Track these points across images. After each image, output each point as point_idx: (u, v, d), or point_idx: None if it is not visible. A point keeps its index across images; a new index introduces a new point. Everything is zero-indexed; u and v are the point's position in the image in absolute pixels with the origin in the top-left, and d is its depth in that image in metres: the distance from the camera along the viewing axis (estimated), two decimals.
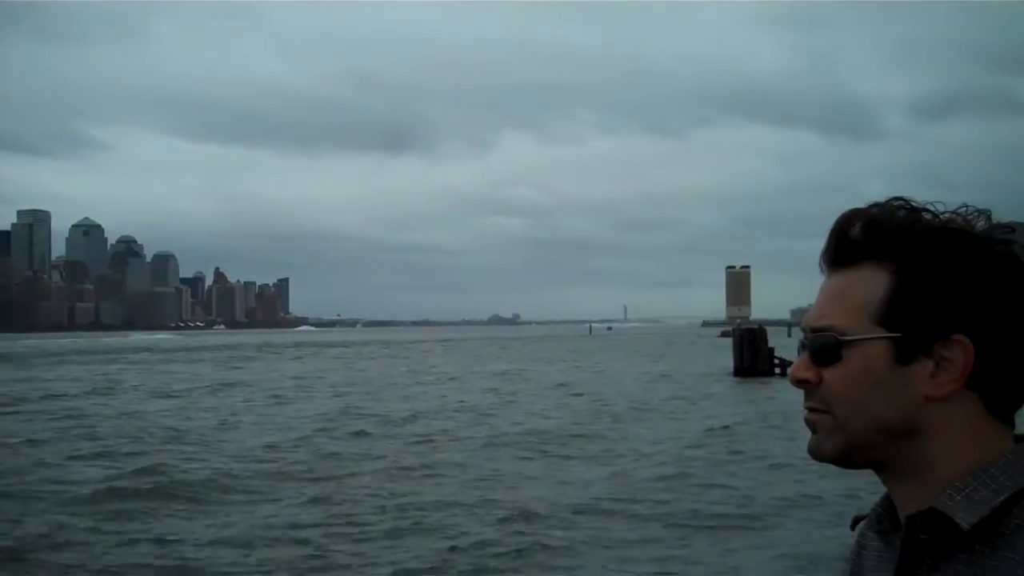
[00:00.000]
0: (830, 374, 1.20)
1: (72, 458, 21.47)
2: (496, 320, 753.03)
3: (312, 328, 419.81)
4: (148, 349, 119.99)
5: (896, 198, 1.21)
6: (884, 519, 1.25)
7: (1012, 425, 1.19)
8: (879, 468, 1.23)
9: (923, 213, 1.19)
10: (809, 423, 1.23)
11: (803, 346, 1.23)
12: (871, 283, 1.18)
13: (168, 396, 40.71)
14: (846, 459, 1.21)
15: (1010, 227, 1.19)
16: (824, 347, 1.20)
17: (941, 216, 1.19)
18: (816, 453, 1.23)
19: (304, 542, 13.22)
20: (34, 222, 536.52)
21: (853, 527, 1.33)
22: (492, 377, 51.50)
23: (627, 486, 17.32)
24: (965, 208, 1.20)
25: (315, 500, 16.23)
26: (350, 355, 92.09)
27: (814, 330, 1.22)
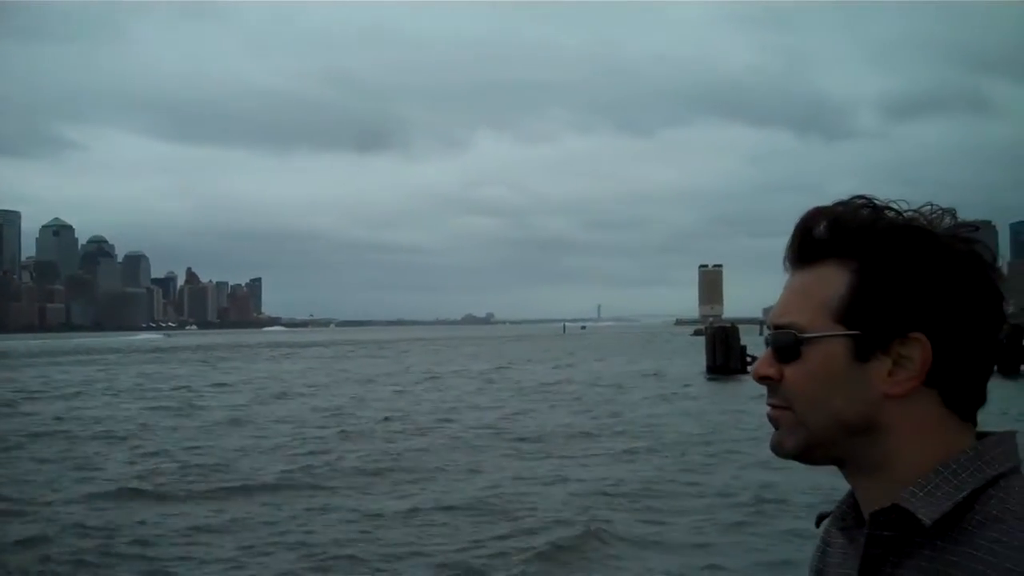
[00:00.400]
0: (791, 371, 1.21)
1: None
2: (470, 320, 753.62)
3: (283, 328, 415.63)
4: (201, 347, 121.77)
5: (859, 196, 1.22)
6: (848, 516, 1.25)
7: (974, 423, 1.20)
8: (841, 464, 1.23)
9: (886, 211, 1.20)
10: (771, 419, 1.24)
11: (767, 343, 1.25)
12: (832, 281, 1.20)
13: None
14: (807, 455, 1.22)
15: (974, 226, 1.20)
16: (785, 344, 1.21)
17: (904, 214, 1.20)
18: (778, 449, 1.24)
19: None
20: (4, 222, 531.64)
21: (818, 524, 1.34)
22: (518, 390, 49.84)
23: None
24: (930, 207, 1.20)
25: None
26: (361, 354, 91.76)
27: (776, 327, 1.23)
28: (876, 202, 1.21)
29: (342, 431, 26.19)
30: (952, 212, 1.21)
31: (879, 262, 1.18)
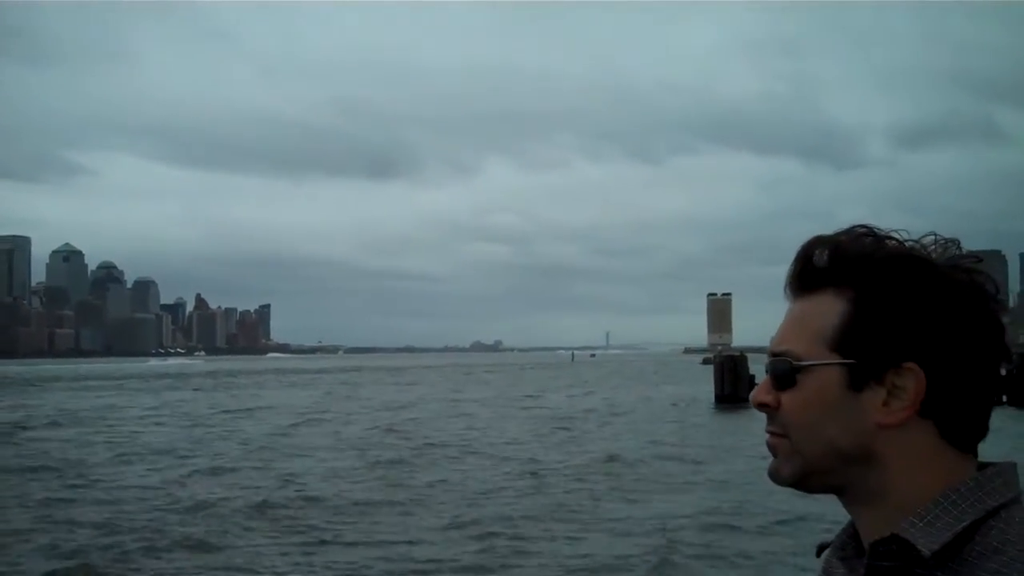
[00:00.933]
0: (787, 399, 1.21)
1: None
2: (478, 347, 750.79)
3: (280, 355, 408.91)
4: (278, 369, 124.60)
5: (861, 225, 1.22)
6: (848, 546, 1.25)
7: (975, 455, 1.19)
8: (839, 493, 1.23)
9: (887, 241, 1.19)
10: (769, 446, 1.25)
11: (766, 371, 1.26)
12: (829, 309, 1.20)
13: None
14: (804, 483, 1.22)
15: (976, 257, 1.19)
16: (781, 372, 1.22)
17: (906, 244, 1.19)
18: (775, 477, 1.24)
19: None
20: (14, 248, 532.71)
21: (818, 554, 1.32)
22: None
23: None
24: (933, 236, 1.20)
25: None
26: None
27: (774, 355, 1.24)
28: (877, 231, 1.20)
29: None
30: (956, 242, 1.20)
31: (875, 291, 1.17)
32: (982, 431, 1.19)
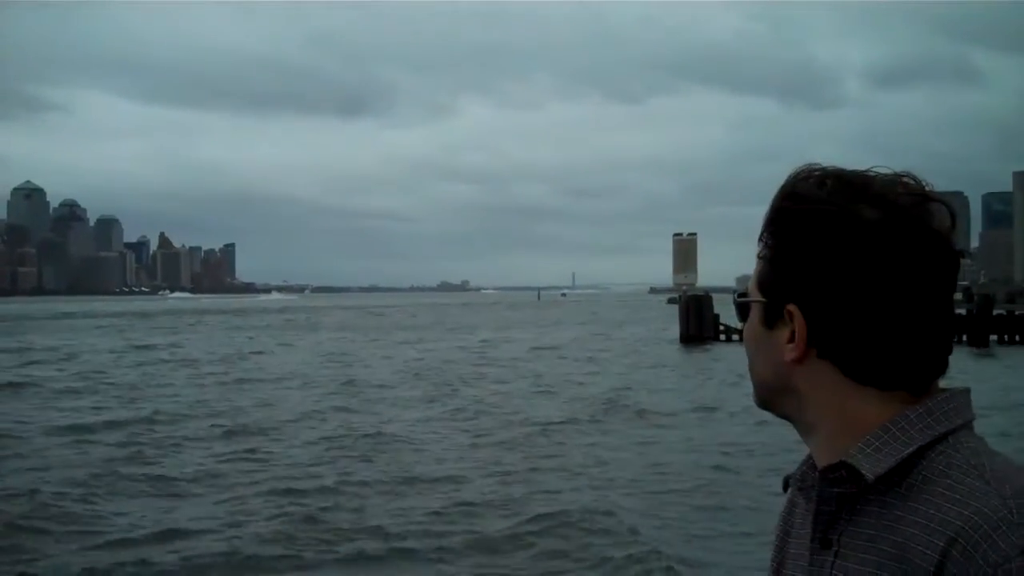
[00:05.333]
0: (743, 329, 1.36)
1: None
2: (445, 287, 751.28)
3: (281, 296, 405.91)
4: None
5: (809, 164, 1.27)
6: (808, 477, 1.29)
7: (911, 391, 1.20)
8: (791, 422, 1.31)
9: (799, 183, 1.25)
10: None
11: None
12: (761, 251, 1.30)
13: None
14: (766, 408, 1.33)
15: (923, 195, 1.20)
16: (739, 306, 1.35)
17: (813, 185, 1.23)
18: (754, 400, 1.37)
19: None
20: None
21: (785, 487, 1.36)
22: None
23: None
24: (888, 169, 1.23)
25: None
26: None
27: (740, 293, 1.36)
28: (816, 170, 1.25)
29: None
30: (908, 175, 1.22)
31: (776, 234, 1.26)
32: (904, 368, 1.20)
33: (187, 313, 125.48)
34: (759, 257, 1.29)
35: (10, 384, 30.13)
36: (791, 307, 1.23)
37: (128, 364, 39.62)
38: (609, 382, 30.24)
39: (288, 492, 14.08)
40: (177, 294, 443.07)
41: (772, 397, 1.30)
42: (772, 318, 1.26)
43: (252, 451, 17.85)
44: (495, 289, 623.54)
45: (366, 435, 19.36)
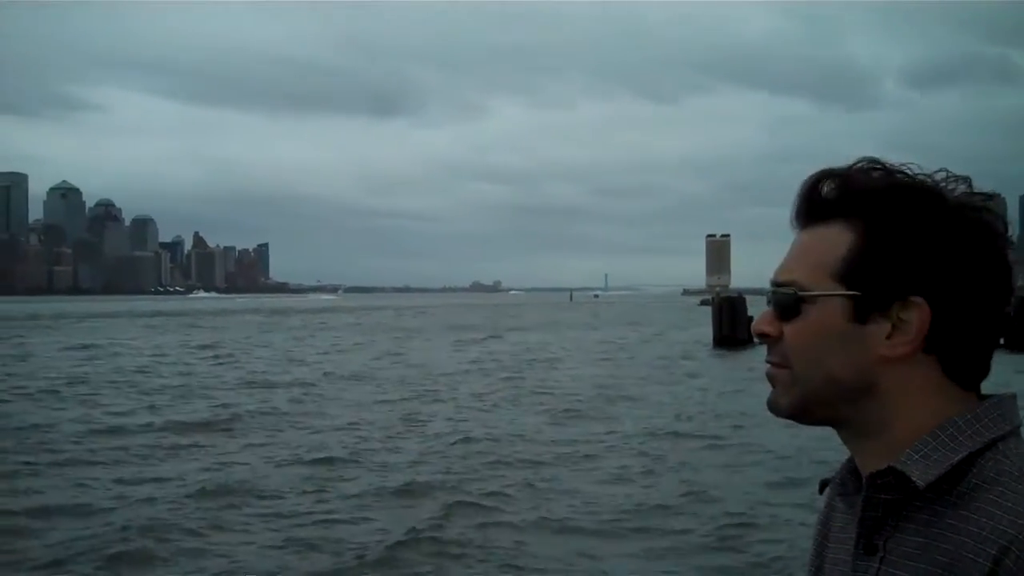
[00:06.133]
0: (790, 329, 1.21)
1: None
2: (477, 287, 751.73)
3: (332, 296, 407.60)
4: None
5: (869, 158, 1.22)
6: (848, 482, 1.26)
7: (977, 393, 1.19)
8: (838, 426, 1.23)
9: (897, 175, 1.19)
10: (769, 377, 1.24)
11: (769, 301, 1.25)
12: (836, 240, 1.19)
13: None
14: (803, 415, 1.22)
15: (987, 195, 1.19)
16: (785, 302, 1.21)
17: (916, 178, 1.18)
18: (773, 407, 1.24)
19: None
20: (11, 185, 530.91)
21: (821, 491, 1.33)
22: None
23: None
24: (944, 172, 1.19)
25: None
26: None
27: (778, 284, 1.23)
28: (887, 165, 1.20)
29: None
30: (966, 179, 1.19)
31: (884, 223, 1.16)
32: (984, 370, 1.19)
33: (250, 312, 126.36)
34: (820, 243, 1.20)
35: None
36: (917, 299, 1.14)
37: (387, 366, 37.97)
38: None
39: None
40: (201, 293, 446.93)
41: (835, 399, 1.19)
42: (868, 311, 1.17)
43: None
44: (525, 290, 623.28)
45: None
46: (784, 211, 1.26)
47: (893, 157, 1.18)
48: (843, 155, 1.20)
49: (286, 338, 61.45)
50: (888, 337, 1.16)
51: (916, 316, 1.14)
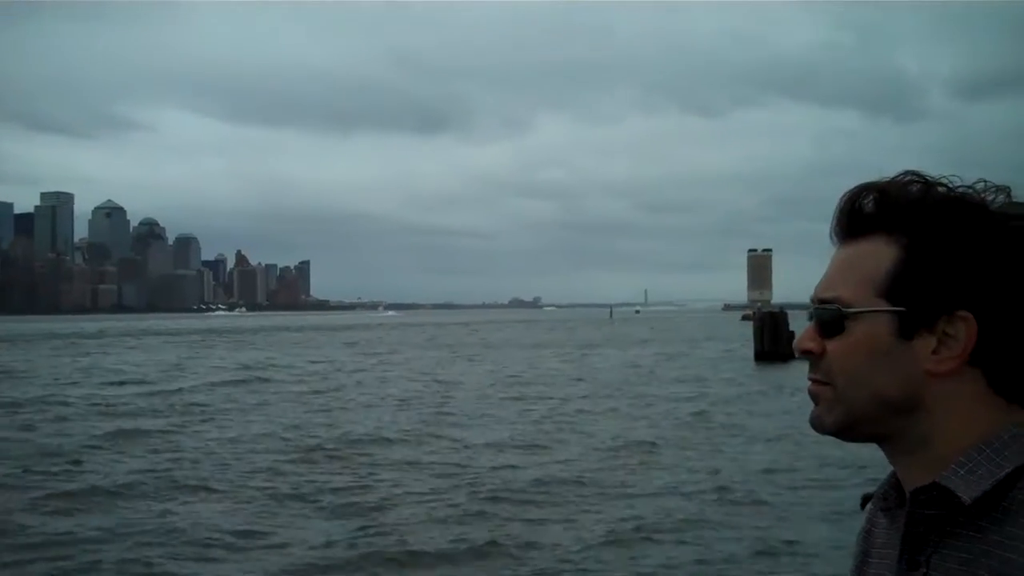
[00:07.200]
0: (833, 346, 1.19)
1: None
2: (517, 303, 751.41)
3: (393, 313, 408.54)
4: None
5: (909, 172, 1.20)
6: (890, 496, 1.24)
7: (1021, 405, 1.16)
8: (882, 442, 1.21)
9: (937, 187, 1.17)
10: (811, 394, 1.22)
11: (810, 317, 1.23)
12: (879, 255, 1.17)
13: None
14: (847, 432, 1.20)
15: None
16: (828, 318, 1.19)
17: (956, 190, 1.16)
18: (817, 425, 1.22)
19: None
20: (57, 204, 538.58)
21: (863, 506, 1.32)
22: None
23: None
24: (983, 184, 1.17)
25: None
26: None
27: (820, 301, 1.21)
28: (927, 178, 1.18)
29: None
30: (1006, 189, 1.17)
31: (928, 237, 1.14)
32: None
33: (311, 330, 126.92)
34: (864, 258, 1.18)
35: None
36: (963, 314, 1.12)
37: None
38: None
39: None
40: (238, 312, 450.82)
41: (881, 415, 1.17)
42: (914, 327, 1.14)
43: None
44: (563, 307, 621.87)
45: None
46: (826, 226, 1.24)
47: (939, 169, 1.18)
48: (889, 168, 1.19)
49: (439, 356, 58.99)
50: (934, 352, 1.14)
51: (963, 330, 1.12)
